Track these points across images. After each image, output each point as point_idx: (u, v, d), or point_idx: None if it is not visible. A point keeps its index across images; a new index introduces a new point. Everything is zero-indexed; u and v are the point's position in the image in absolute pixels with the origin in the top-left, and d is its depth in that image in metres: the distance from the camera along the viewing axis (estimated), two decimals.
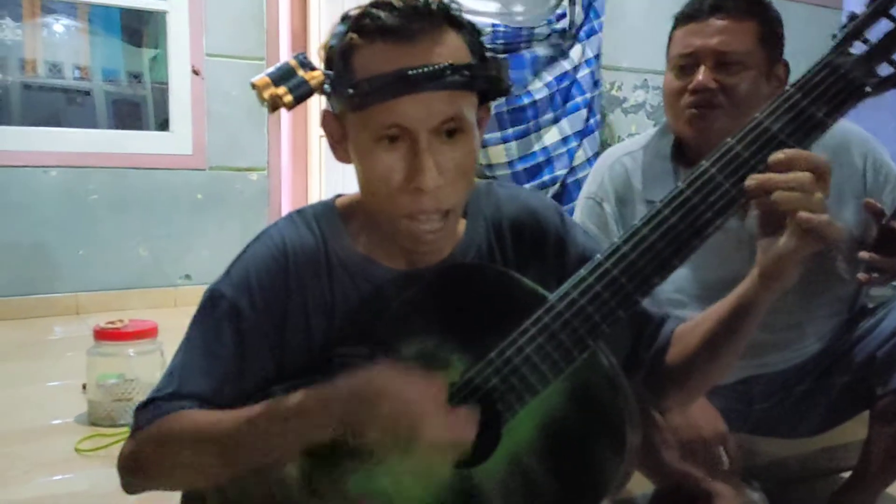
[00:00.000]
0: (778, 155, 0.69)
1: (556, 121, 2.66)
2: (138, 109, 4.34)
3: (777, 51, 1.24)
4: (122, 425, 1.91)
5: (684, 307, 1.28)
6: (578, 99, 2.71)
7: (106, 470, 1.68)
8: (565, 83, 2.68)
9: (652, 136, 1.37)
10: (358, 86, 0.73)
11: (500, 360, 0.74)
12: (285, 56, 3.78)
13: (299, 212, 0.88)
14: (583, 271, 0.73)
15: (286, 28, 3.84)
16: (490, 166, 2.64)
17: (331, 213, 0.87)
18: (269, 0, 3.61)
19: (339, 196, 0.90)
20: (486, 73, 0.77)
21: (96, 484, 1.60)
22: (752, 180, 0.70)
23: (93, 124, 4.08)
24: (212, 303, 0.82)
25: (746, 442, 1.41)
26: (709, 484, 1.23)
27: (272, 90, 0.73)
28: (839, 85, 0.70)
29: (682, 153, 1.32)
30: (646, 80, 3.12)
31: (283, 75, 0.74)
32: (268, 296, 0.81)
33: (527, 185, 2.61)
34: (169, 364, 0.82)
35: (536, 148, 2.65)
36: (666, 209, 0.72)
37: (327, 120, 0.82)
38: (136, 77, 4.56)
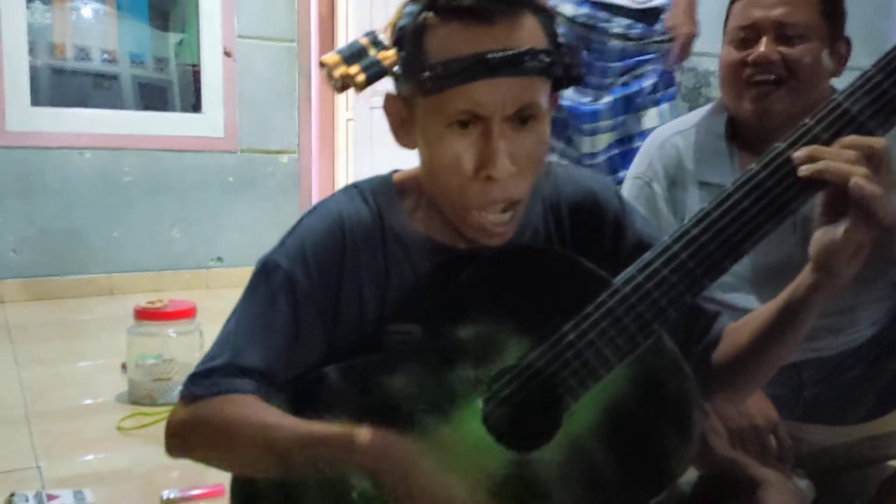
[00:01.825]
0: (845, 139, 0.68)
1: (656, 103, 2.53)
2: (164, 94, 4.35)
3: (839, 26, 1.20)
4: (163, 405, 1.93)
5: (734, 290, 1.26)
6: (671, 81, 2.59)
7: (147, 448, 1.70)
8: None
9: (704, 114, 1.34)
10: (433, 68, 0.71)
11: (563, 344, 0.72)
12: (315, 38, 3.77)
13: (356, 185, 0.87)
14: (649, 255, 0.71)
15: (314, 10, 3.83)
16: (593, 154, 2.53)
17: (388, 188, 0.85)
18: None
19: (395, 171, 0.89)
20: (562, 59, 0.75)
21: (138, 462, 1.62)
22: (802, 151, 0.68)
23: (120, 108, 4.10)
24: (266, 273, 0.80)
25: (793, 429, 1.39)
26: (756, 471, 1.21)
27: (343, 69, 0.71)
28: None
29: (738, 133, 1.28)
30: None
31: (354, 54, 0.72)
32: (323, 268, 0.80)
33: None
34: (221, 331, 0.81)
35: (635, 132, 2.54)
36: (738, 192, 0.70)
37: (392, 103, 0.80)
38: (161, 62, 4.58)
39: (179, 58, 4.33)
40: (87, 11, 4.59)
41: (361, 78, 0.71)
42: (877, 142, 0.66)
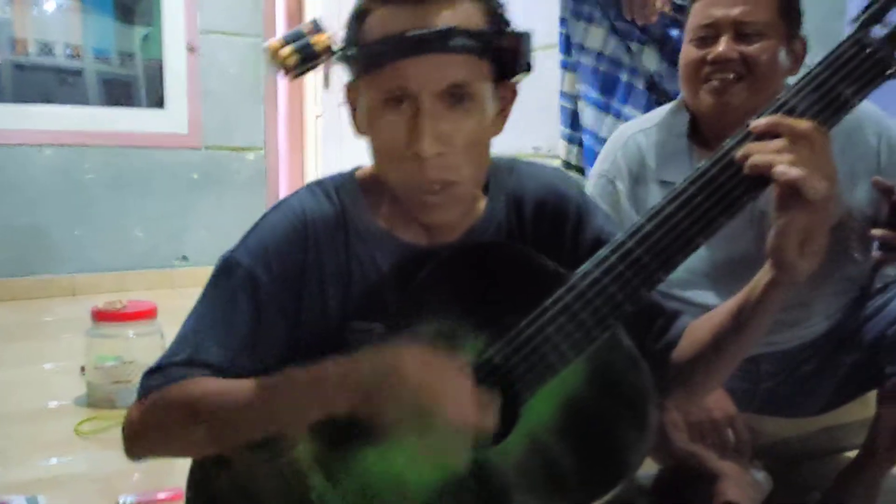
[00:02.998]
0: (759, 122, 0.68)
1: None
2: (130, 89, 4.28)
3: (796, 25, 1.23)
4: (123, 408, 1.89)
5: (693, 286, 1.27)
6: None
7: (106, 452, 1.67)
8: None
9: (665, 113, 1.35)
10: (361, 48, 0.74)
11: (520, 339, 0.73)
12: (282, 33, 3.73)
13: (319, 182, 0.86)
14: (605, 251, 0.72)
15: (282, 4, 3.79)
16: None
17: (351, 185, 0.85)
18: None
19: (358, 168, 0.88)
20: (499, 42, 0.75)
21: (96, 466, 1.60)
22: (743, 149, 0.69)
23: (84, 104, 4.03)
24: (227, 271, 0.80)
25: (751, 422, 1.41)
26: (715, 464, 1.22)
27: (280, 52, 0.73)
28: (867, 64, 0.68)
29: (698, 131, 1.30)
30: None
31: (292, 38, 0.74)
32: (285, 265, 0.79)
33: None
34: (180, 329, 0.80)
35: None
36: (690, 188, 0.70)
37: (348, 92, 0.82)
38: (127, 56, 4.50)
39: (145, 52, 4.27)
40: (49, 5, 4.49)
41: (293, 59, 0.73)
42: (799, 124, 0.67)
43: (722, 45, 1.19)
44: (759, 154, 0.67)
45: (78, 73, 4.28)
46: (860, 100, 0.69)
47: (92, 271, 3.31)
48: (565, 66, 2.12)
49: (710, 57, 1.20)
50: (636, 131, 1.35)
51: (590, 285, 0.71)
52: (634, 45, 1.92)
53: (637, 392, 0.72)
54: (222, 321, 0.78)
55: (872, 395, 1.31)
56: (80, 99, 4.03)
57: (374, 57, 0.73)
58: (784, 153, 0.66)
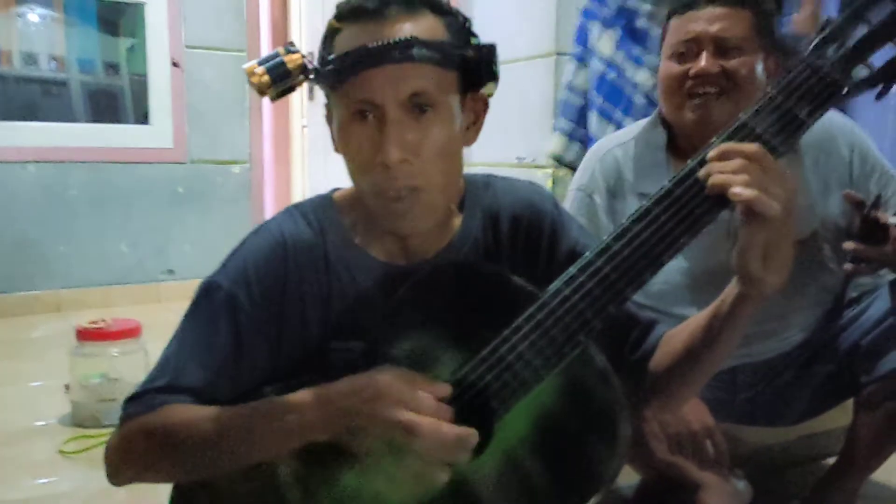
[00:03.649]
0: (713, 152, 0.71)
1: None
2: (116, 101, 4.26)
3: (770, 42, 1.25)
4: (108, 426, 1.89)
5: (673, 299, 1.28)
6: None
7: (91, 472, 1.66)
8: None
9: (643, 126, 1.37)
10: (327, 63, 0.76)
11: (494, 357, 0.74)
12: (266, 47, 3.73)
13: (297, 206, 0.88)
14: (574, 269, 0.73)
15: (266, 19, 3.79)
16: None
17: (328, 207, 0.87)
18: None
19: (336, 190, 0.90)
20: (463, 53, 0.78)
21: (81, 486, 1.58)
22: (704, 169, 0.71)
23: (69, 116, 4.00)
24: (208, 294, 0.81)
25: (730, 431, 1.42)
26: (695, 474, 1.24)
27: (256, 72, 0.76)
28: (819, 86, 0.71)
29: (675, 144, 1.31)
30: None
31: (268, 59, 0.76)
32: (265, 288, 0.81)
33: None
34: (161, 354, 0.81)
35: None
36: (656, 207, 0.72)
37: (326, 110, 0.84)
38: (112, 67, 4.48)
39: (131, 64, 4.25)
40: (33, 17, 4.47)
41: (266, 79, 0.75)
42: (747, 147, 0.69)
43: (704, 60, 1.22)
44: (718, 174, 0.69)
45: (63, 84, 4.27)
46: (815, 120, 0.71)
47: (77, 287, 3.29)
48: (580, 60, 2.10)
49: (692, 72, 1.23)
50: (614, 146, 1.37)
51: (560, 303, 0.73)
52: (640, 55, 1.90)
53: (607, 406, 0.73)
54: (203, 344, 0.79)
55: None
56: (66, 112, 4.01)
57: (339, 71, 0.75)
58: (740, 173, 0.68)
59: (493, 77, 0.81)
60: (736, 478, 1.39)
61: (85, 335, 1.94)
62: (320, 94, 0.83)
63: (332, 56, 0.77)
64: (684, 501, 1.24)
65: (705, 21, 1.23)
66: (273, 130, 3.97)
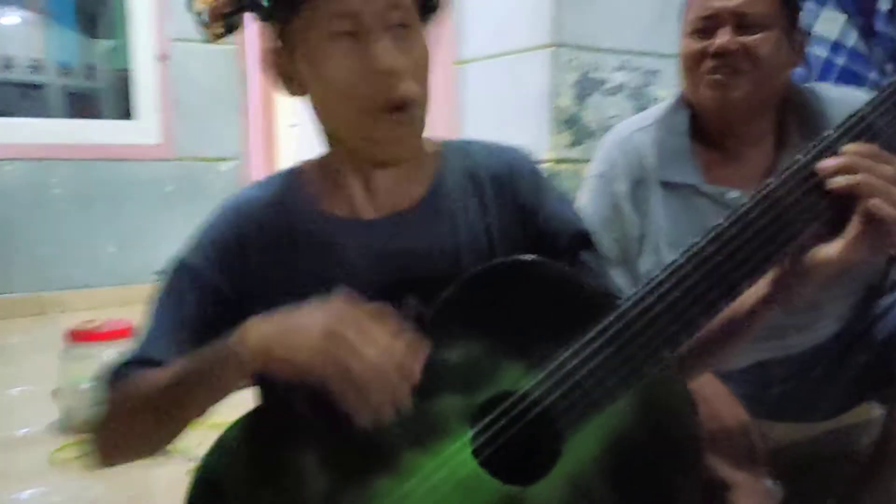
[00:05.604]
0: (856, 146, 0.65)
1: None
2: (95, 101, 4.19)
3: (796, 16, 1.20)
4: None
5: None
6: None
7: (84, 481, 1.58)
8: None
9: (665, 110, 1.31)
10: None
11: (562, 372, 0.67)
12: (255, 40, 3.66)
13: (261, 179, 0.89)
14: (660, 274, 0.67)
15: None
16: None
17: (288, 173, 0.87)
18: None
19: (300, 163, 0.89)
20: None
21: (74, 496, 1.51)
22: (832, 162, 0.65)
23: (48, 116, 3.92)
24: (171, 270, 0.83)
25: (762, 427, 1.38)
26: (726, 473, 1.19)
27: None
28: None
29: (699, 129, 1.26)
30: (626, 61, 3.07)
31: None
32: (221, 249, 0.81)
33: None
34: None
35: None
36: (755, 209, 0.66)
37: (268, 56, 0.79)
38: (91, 68, 4.40)
39: (110, 64, 4.16)
40: (11, 19, 4.37)
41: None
42: (885, 154, 0.64)
43: (723, 37, 1.16)
44: (867, 175, 0.63)
45: (39, 86, 4.18)
46: None
47: (61, 289, 3.20)
48: None
49: (711, 49, 1.17)
50: (634, 129, 1.31)
51: (641, 314, 0.66)
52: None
53: (687, 434, 0.67)
54: (167, 317, 0.80)
55: None
56: (43, 112, 3.92)
57: None
58: (893, 187, 0.63)
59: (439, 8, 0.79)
60: (766, 477, 1.35)
61: (77, 336, 1.86)
62: None
63: None
64: (712, 501, 1.19)
65: None
66: (261, 128, 3.89)
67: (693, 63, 1.21)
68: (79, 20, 4.35)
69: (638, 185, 1.28)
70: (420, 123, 0.77)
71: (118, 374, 0.78)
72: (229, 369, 0.69)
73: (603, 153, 1.34)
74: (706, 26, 1.18)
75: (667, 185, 1.24)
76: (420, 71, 0.75)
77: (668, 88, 3.12)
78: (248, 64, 3.65)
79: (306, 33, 0.74)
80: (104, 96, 4.14)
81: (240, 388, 0.72)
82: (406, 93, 0.73)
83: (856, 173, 0.64)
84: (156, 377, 0.74)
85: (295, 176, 0.85)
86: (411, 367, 0.63)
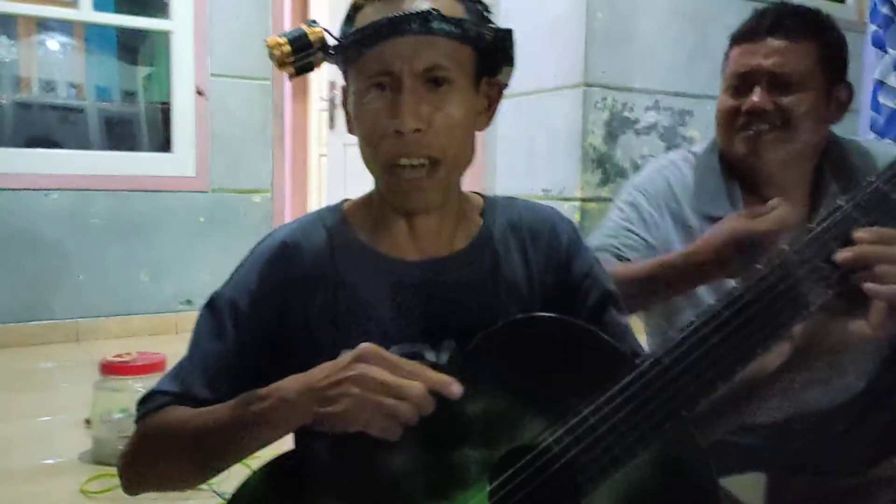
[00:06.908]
0: (867, 233, 0.67)
1: None
2: (131, 128, 4.31)
3: (839, 72, 1.21)
4: None
5: None
6: None
7: None
8: None
9: (705, 148, 1.33)
10: (348, 36, 0.78)
11: (583, 427, 0.69)
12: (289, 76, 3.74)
13: (303, 215, 0.90)
14: (678, 336, 0.69)
15: None
16: None
17: (335, 211, 0.89)
18: (275, 19, 3.58)
19: (345, 200, 0.91)
20: (480, 32, 0.78)
21: None
22: (849, 252, 0.67)
23: (85, 142, 4.04)
24: (211, 304, 0.83)
25: (780, 481, 1.36)
26: None
27: (278, 42, 0.77)
28: None
29: (733, 170, 1.27)
30: (657, 101, 3.08)
31: (290, 32, 0.78)
32: (266, 292, 0.82)
33: None
34: (179, 361, 0.84)
35: None
36: (771, 276, 0.68)
37: (343, 94, 0.86)
38: (129, 95, 4.54)
39: (148, 93, 4.28)
40: (53, 45, 4.54)
41: (287, 49, 0.77)
42: None
43: (756, 96, 1.18)
44: (884, 267, 0.67)
45: (80, 111, 4.31)
46: None
47: (96, 316, 3.26)
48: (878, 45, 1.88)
49: (744, 107, 1.19)
50: (679, 159, 1.33)
51: (659, 374, 0.68)
52: None
53: (703, 490, 0.68)
54: (206, 352, 0.81)
55: None
56: (81, 138, 4.04)
57: (359, 42, 0.77)
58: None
59: (510, 62, 0.82)
60: None
61: (110, 369, 1.90)
62: (340, 123, 0.84)
63: (353, 30, 0.78)
64: None
65: (762, 55, 1.18)
66: (292, 159, 3.96)
67: (727, 119, 1.23)
68: (120, 48, 4.50)
69: (671, 210, 1.29)
70: (440, 180, 0.79)
71: (154, 406, 0.79)
72: (277, 412, 0.71)
73: (649, 172, 1.35)
74: (742, 84, 1.20)
75: (704, 218, 1.25)
76: (447, 129, 0.77)
77: (699, 128, 3.13)
78: (282, 97, 3.73)
79: (355, 84, 0.80)
80: (141, 125, 4.25)
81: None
82: (421, 153, 0.77)
83: (870, 264, 0.65)
84: (195, 419, 0.75)
85: (341, 213, 0.88)
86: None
